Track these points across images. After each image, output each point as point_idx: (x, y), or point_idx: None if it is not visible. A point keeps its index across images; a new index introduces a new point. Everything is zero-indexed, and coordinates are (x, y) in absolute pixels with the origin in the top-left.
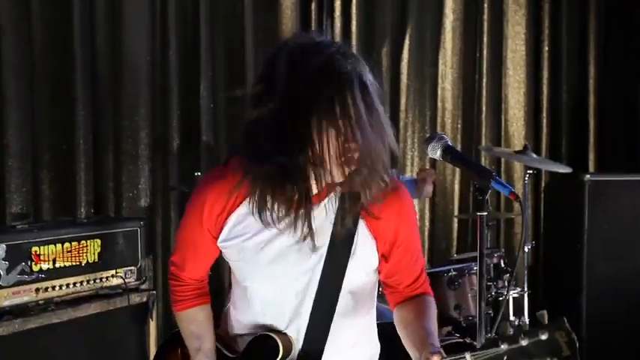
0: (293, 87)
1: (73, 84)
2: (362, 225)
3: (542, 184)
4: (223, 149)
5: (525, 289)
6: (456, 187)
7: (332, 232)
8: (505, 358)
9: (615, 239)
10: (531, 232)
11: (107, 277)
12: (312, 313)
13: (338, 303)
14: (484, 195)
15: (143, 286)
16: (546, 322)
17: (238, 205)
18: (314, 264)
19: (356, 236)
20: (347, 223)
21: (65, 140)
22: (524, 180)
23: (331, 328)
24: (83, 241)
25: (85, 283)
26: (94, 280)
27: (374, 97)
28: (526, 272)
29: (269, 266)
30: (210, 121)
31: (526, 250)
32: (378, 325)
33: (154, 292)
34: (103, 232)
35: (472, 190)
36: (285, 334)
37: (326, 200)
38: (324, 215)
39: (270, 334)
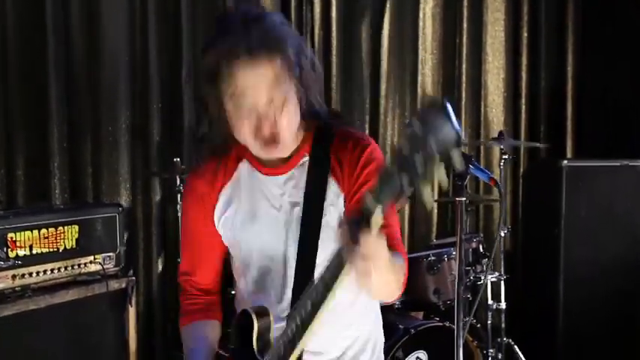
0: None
1: (46, 67)
2: (331, 181)
3: (521, 170)
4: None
5: (503, 273)
6: None
7: (304, 192)
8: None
9: (592, 224)
10: (509, 217)
11: (85, 264)
12: (295, 276)
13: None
14: (463, 180)
15: (122, 273)
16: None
17: (226, 182)
18: (292, 224)
19: (327, 193)
20: (316, 183)
21: (40, 126)
22: (500, 165)
23: None
24: (60, 227)
25: (62, 270)
26: (72, 267)
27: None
28: (503, 257)
29: (255, 232)
30: (192, 106)
31: (503, 234)
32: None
33: (134, 278)
34: (81, 217)
35: (451, 175)
36: (262, 306)
37: (298, 164)
38: (294, 180)
39: (246, 309)
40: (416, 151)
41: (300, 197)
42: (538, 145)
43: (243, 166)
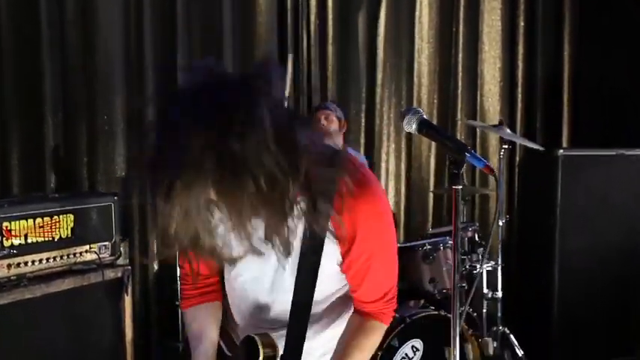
0: None
1: (41, 57)
2: (329, 230)
3: (517, 160)
4: None
5: (499, 262)
6: (432, 162)
7: (302, 243)
8: None
9: (587, 214)
10: (505, 206)
11: (81, 253)
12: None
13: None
14: (459, 169)
15: (118, 262)
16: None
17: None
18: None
19: (326, 242)
20: (315, 231)
21: (35, 115)
22: (500, 155)
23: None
24: (56, 217)
25: (58, 259)
26: (68, 256)
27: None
28: (500, 246)
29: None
30: None
31: (500, 224)
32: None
33: (129, 267)
34: (76, 207)
35: (447, 164)
36: (268, 335)
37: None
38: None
39: (254, 335)
40: None
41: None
42: (536, 146)
43: None
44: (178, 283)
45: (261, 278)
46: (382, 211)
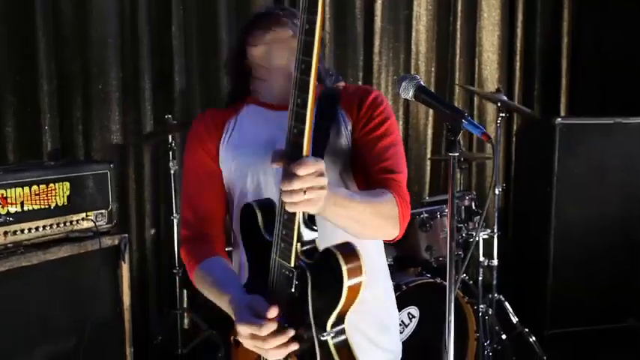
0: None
1: (34, 23)
2: (341, 111)
3: (514, 128)
4: (197, 91)
5: (495, 230)
6: (429, 130)
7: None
8: None
9: (584, 182)
10: (502, 175)
11: (77, 221)
12: None
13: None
14: (456, 135)
15: (115, 229)
16: None
17: (231, 117)
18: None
19: (335, 119)
20: (325, 112)
21: (30, 82)
22: (497, 123)
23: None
24: (52, 184)
25: (54, 227)
26: (64, 224)
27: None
28: (496, 214)
29: (253, 149)
30: (183, 62)
31: (497, 192)
32: None
33: (126, 235)
34: (72, 174)
35: (444, 131)
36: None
37: None
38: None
39: (249, 202)
40: None
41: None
42: (530, 112)
43: (250, 107)
44: (176, 250)
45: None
46: (386, 100)
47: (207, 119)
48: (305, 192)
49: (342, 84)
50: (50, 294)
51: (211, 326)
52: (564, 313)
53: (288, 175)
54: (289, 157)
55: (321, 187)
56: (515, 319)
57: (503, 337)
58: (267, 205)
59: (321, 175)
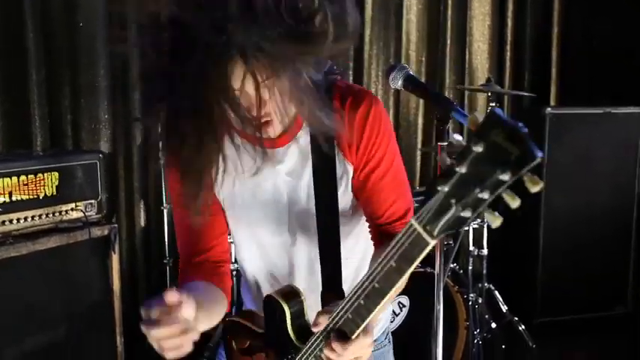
0: None
1: (22, 12)
2: (338, 153)
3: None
4: None
5: (485, 220)
6: (420, 120)
7: (313, 170)
8: (453, 202)
9: (574, 171)
10: None
11: (66, 211)
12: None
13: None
14: (445, 125)
15: (104, 220)
16: (480, 123)
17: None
18: (297, 201)
19: (337, 165)
20: (323, 153)
21: (18, 71)
22: (487, 112)
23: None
24: (40, 174)
25: (43, 217)
26: (53, 214)
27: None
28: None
29: (255, 211)
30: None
31: None
32: None
33: (116, 225)
34: (61, 164)
35: (434, 120)
36: (288, 285)
37: (297, 136)
38: (297, 153)
39: (270, 294)
40: (480, 179)
41: (303, 173)
42: (525, 94)
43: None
44: (166, 240)
45: (276, 221)
46: (384, 115)
47: None
48: None
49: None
50: (40, 284)
51: None
52: (553, 302)
53: (334, 353)
54: (336, 331)
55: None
56: (504, 308)
57: (493, 325)
58: (293, 299)
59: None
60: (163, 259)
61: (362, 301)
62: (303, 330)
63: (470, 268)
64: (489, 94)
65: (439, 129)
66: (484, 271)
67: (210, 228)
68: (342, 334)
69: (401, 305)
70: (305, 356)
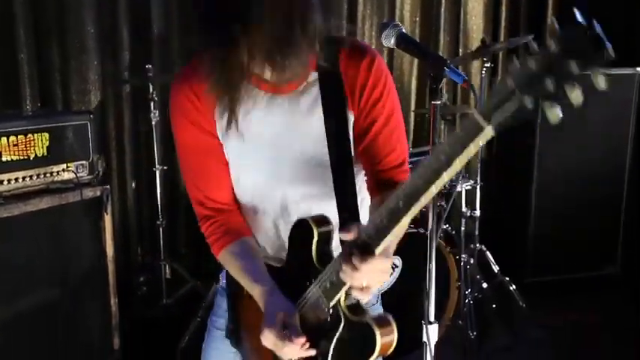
0: None
1: None
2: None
3: (498, 78)
4: (176, 39)
5: (478, 181)
6: (413, 81)
7: (325, 115)
8: (515, 92)
9: (567, 133)
10: None
11: (58, 172)
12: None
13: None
14: (438, 84)
15: (96, 181)
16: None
17: (225, 96)
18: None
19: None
20: (333, 97)
21: (6, 32)
22: (481, 74)
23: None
24: (30, 135)
25: (34, 178)
26: (44, 175)
27: None
28: (479, 165)
29: (252, 159)
30: (162, 9)
31: (482, 144)
32: None
33: (108, 186)
34: (51, 125)
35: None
36: (320, 214)
37: (307, 81)
38: (307, 97)
39: (305, 218)
40: (548, 70)
41: (313, 117)
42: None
43: (250, 89)
44: (158, 202)
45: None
46: (385, 67)
47: (189, 94)
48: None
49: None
50: (32, 245)
51: (195, 276)
52: (544, 263)
53: (352, 266)
54: (358, 246)
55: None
56: (496, 269)
57: (484, 285)
58: (324, 224)
59: (385, 274)
60: (156, 220)
61: (384, 220)
62: (326, 256)
63: (462, 229)
64: (484, 58)
65: (432, 87)
66: (476, 232)
67: (226, 174)
68: (365, 251)
69: (393, 266)
70: (321, 282)
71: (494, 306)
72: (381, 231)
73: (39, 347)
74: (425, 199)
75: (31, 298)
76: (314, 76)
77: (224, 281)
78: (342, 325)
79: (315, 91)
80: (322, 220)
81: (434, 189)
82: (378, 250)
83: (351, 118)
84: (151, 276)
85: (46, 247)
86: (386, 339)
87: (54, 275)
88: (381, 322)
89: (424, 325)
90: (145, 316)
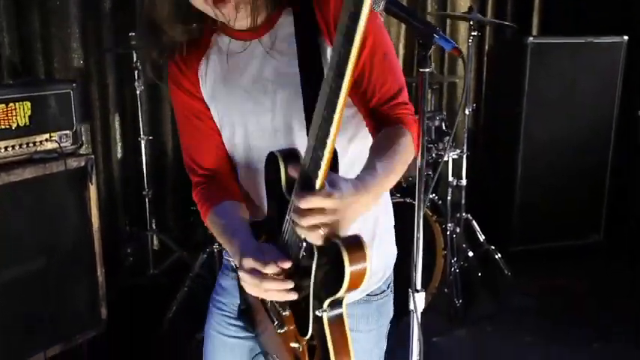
0: None
1: None
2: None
3: (486, 48)
4: None
5: (464, 150)
6: (401, 50)
7: (299, 58)
8: None
9: (554, 102)
10: (473, 95)
11: (41, 142)
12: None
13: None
14: (427, 51)
15: (80, 151)
16: None
17: (201, 58)
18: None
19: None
20: (307, 35)
21: None
22: (469, 42)
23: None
24: (11, 104)
25: (17, 147)
26: (27, 145)
27: None
28: (466, 135)
29: (235, 106)
30: None
31: (467, 112)
32: None
33: (92, 156)
34: (33, 94)
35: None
36: (291, 147)
37: (279, 23)
38: (280, 38)
39: (272, 151)
40: None
41: (288, 58)
42: (507, 24)
43: (221, 38)
44: (144, 172)
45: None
46: None
47: (176, 58)
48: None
49: None
50: (17, 216)
51: (182, 247)
52: (530, 231)
53: (296, 209)
54: (300, 183)
55: (335, 221)
56: (482, 237)
57: (470, 254)
58: (291, 157)
59: (333, 212)
60: (142, 190)
61: (315, 143)
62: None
63: (449, 198)
64: (471, 22)
65: (421, 55)
66: (463, 202)
67: (214, 139)
68: (306, 186)
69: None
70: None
71: (479, 274)
72: (316, 161)
73: (26, 317)
74: (339, 106)
75: (18, 268)
76: (287, 15)
77: (231, 259)
78: (315, 255)
79: (289, 29)
80: (290, 153)
81: (344, 90)
82: (318, 184)
83: (328, 49)
84: (138, 246)
85: (31, 217)
86: (356, 266)
87: (40, 246)
88: (350, 242)
89: (411, 293)
90: (132, 286)
